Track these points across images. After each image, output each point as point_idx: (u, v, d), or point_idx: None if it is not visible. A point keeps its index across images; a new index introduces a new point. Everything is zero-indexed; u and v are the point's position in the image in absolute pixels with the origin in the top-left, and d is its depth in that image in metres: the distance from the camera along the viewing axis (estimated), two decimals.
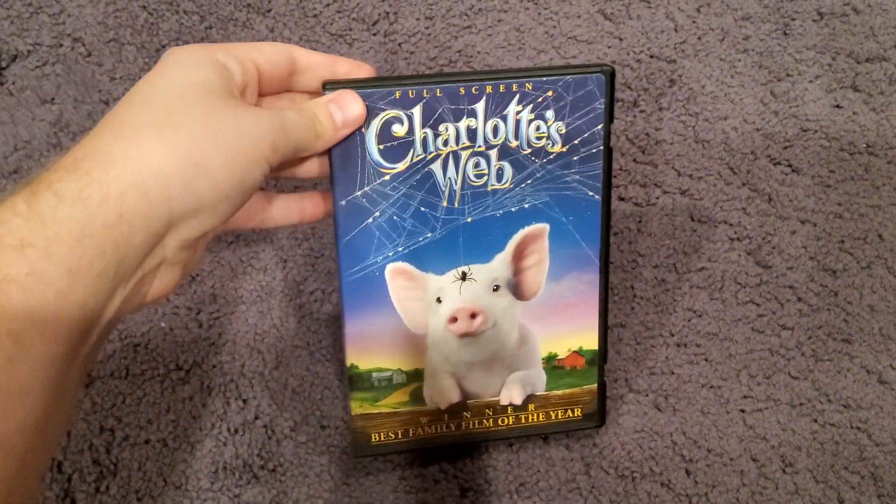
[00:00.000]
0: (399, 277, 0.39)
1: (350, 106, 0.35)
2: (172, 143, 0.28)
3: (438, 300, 0.39)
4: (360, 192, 0.37)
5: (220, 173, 0.29)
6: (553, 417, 0.42)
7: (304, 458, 0.45)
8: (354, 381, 0.40)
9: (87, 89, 0.50)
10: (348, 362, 0.39)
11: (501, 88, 0.36)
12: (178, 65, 0.31)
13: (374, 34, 0.52)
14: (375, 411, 0.40)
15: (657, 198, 0.51)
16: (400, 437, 0.41)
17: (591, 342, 0.41)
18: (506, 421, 0.42)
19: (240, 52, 0.33)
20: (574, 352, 0.41)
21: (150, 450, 0.45)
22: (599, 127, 0.38)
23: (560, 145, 0.38)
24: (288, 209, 0.39)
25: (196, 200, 0.28)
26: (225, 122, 0.29)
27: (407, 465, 0.46)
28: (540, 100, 0.37)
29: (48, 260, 0.24)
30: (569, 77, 0.37)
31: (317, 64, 0.37)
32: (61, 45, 0.51)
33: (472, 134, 0.37)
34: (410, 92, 0.36)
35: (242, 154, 0.30)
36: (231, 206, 0.30)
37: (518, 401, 0.41)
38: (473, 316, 0.39)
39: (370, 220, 0.37)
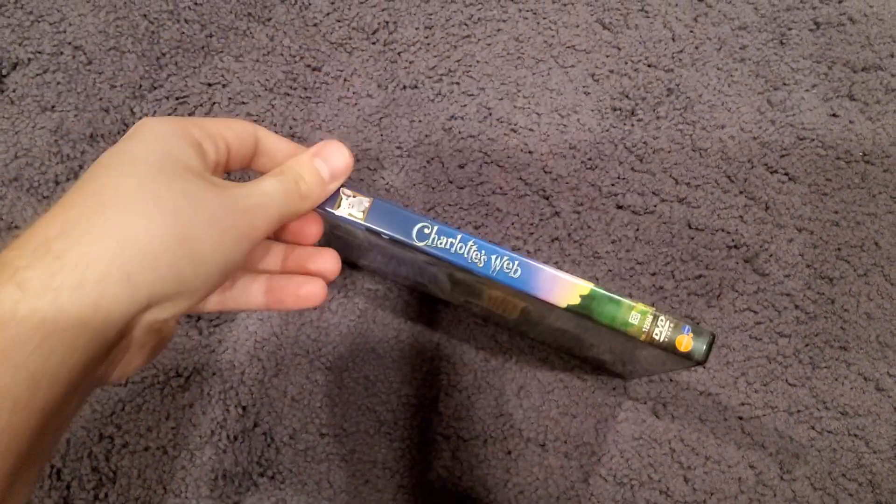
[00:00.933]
0: None
1: (335, 157, 0.33)
2: (159, 220, 0.24)
3: None
4: None
5: (207, 255, 0.26)
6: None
7: (304, 467, 0.45)
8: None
9: (88, 97, 0.50)
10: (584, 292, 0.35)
11: None
12: (154, 136, 0.27)
13: (374, 43, 0.52)
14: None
15: (655, 206, 0.51)
16: None
17: None
18: None
19: (213, 129, 0.30)
20: None
21: (149, 457, 0.45)
22: None
23: None
24: (251, 293, 0.34)
25: (179, 284, 0.25)
26: (208, 198, 0.26)
27: (405, 473, 0.46)
28: None
29: (3, 366, 0.21)
30: None
31: (279, 150, 0.34)
32: (62, 54, 0.51)
33: None
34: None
35: (228, 233, 0.27)
36: (210, 288, 0.28)
37: None
38: None
39: None
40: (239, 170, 0.36)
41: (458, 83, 0.52)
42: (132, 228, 0.23)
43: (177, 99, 0.51)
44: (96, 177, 0.25)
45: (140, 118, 0.50)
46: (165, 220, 0.24)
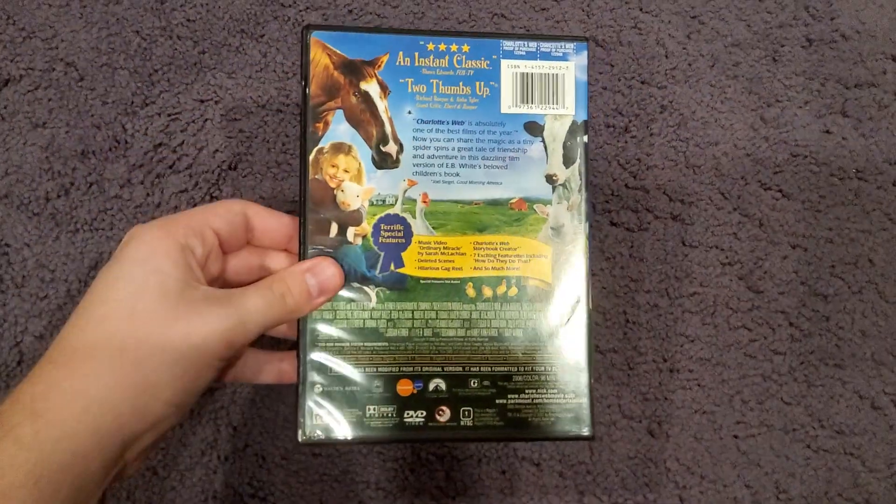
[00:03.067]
0: None
1: (326, 273, 0.35)
2: (119, 372, 0.29)
3: None
4: None
5: (167, 392, 0.30)
6: None
7: (296, 488, 0.45)
8: None
9: (80, 114, 0.50)
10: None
11: None
12: (135, 259, 0.31)
13: None
14: None
15: (649, 223, 0.51)
16: None
17: None
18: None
19: (197, 222, 0.33)
20: None
21: (138, 478, 0.44)
22: None
23: None
24: (262, 370, 0.38)
25: (146, 421, 0.30)
26: (174, 335, 0.30)
27: (399, 494, 0.45)
28: None
29: None
30: None
31: (271, 228, 0.37)
32: (54, 70, 0.51)
33: None
34: None
35: (192, 365, 0.30)
36: (184, 410, 0.32)
37: None
38: None
39: None
40: (238, 250, 0.37)
41: None
42: (95, 386, 0.28)
43: (168, 115, 0.50)
44: (72, 333, 0.30)
45: (132, 134, 0.50)
46: (126, 371, 0.29)
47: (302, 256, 0.36)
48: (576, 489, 0.46)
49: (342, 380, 0.36)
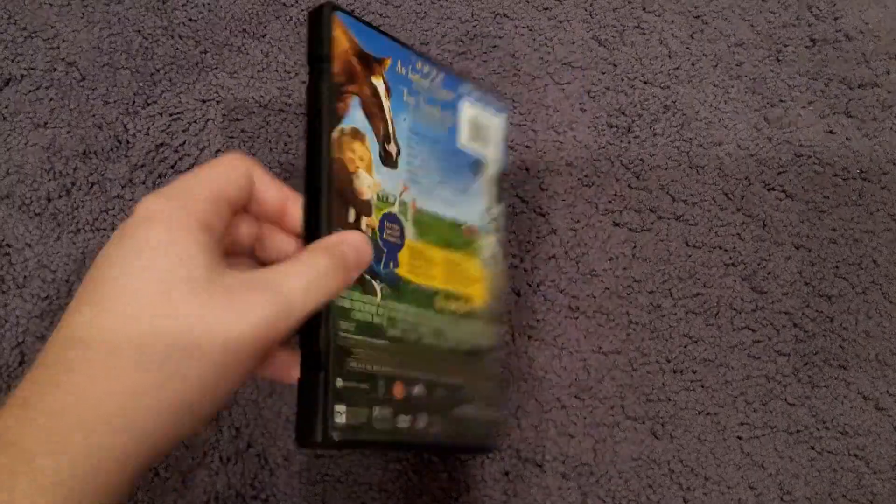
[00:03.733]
0: None
1: (360, 244, 0.32)
2: (150, 392, 0.24)
3: None
4: None
5: (207, 409, 0.26)
6: None
7: (298, 489, 0.45)
8: None
9: (81, 114, 0.50)
10: None
11: None
12: (157, 245, 0.25)
13: None
14: None
15: (652, 223, 0.51)
16: None
17: None
18: None
19: (215, 194, 0.28)
20: None
21: (138, 480, 0.44)
22: None
23: None
24: (286, 370, 0.34)
25: (180, 436, 0.26)
26: (210, 341, 0.25)
27: (401, 495, 0.45)
28: None
29: None
30: None
31: (270, 197, 0.31)
32: (55, 70, 0.50)
33: None
34: None
35: (232, 371, 0.26)
36: (208, 420, 0.29)
37: None
38: None
39: None
40: (239, 212, 0.32)
41: None
42: (122, 410, 0.24)
43: (170, 115, 0.50)
44: (94, 327, 0.25)
45: (134, 134, 0.50)
46: (160, 395, 0.24)
47: (315, 237, 0.32)
48: (579, 490, 0.46)
49: (355, 376, 0.33)
